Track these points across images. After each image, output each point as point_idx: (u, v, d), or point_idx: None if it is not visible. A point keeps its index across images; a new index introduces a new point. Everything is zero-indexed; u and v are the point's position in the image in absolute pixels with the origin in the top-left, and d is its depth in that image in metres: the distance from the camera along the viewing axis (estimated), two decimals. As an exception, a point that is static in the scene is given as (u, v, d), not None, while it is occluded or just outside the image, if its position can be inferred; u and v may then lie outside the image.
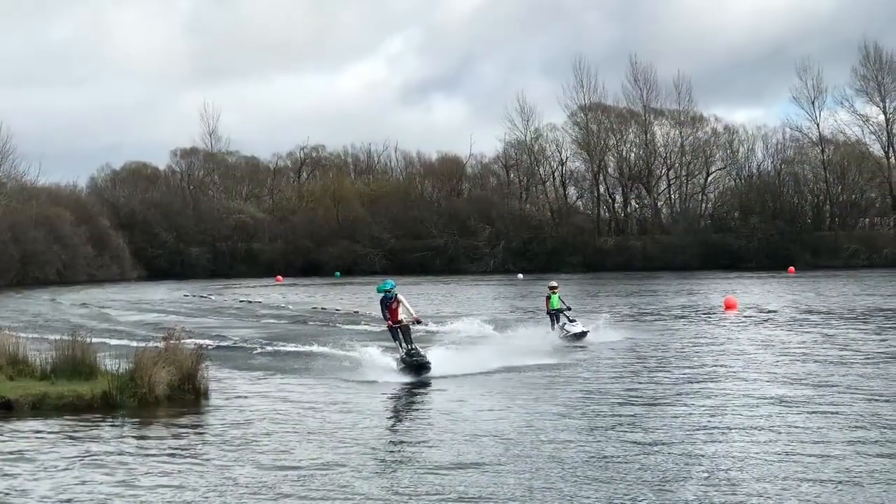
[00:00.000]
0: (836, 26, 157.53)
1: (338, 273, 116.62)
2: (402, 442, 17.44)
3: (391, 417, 20.94)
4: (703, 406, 19.68)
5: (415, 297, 50.41)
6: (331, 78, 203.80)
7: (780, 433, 16.77)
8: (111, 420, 19.62)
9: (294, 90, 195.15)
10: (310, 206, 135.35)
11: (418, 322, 27.59)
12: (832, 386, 21.80)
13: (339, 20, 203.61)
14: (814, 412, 18.64)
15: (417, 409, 21.85)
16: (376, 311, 31.52)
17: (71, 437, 17.89)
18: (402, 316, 26.62)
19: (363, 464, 15.35)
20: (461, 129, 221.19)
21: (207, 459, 15.94)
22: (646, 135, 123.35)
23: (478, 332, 36.14)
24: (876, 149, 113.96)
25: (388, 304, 26.57)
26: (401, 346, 26.09)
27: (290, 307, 56.97)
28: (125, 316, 51.62)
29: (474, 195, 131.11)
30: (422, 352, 25.90)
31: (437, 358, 26.00)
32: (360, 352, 27.48)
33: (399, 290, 27.18)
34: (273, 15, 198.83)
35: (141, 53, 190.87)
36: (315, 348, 31.27)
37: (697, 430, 17.28)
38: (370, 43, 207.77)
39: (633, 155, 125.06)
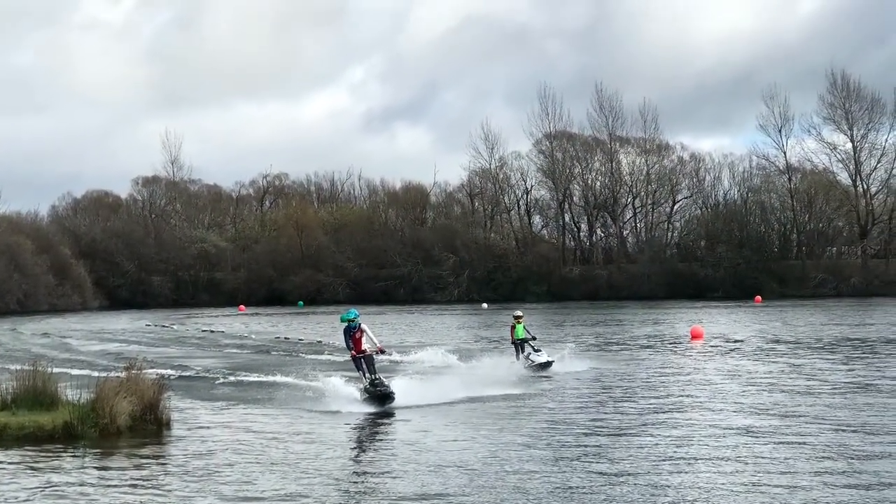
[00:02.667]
0: (803, 54, 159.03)
1: (301, 302, 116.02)
2: (365, 472, 17.30)
3: (354, 448, 20.79)
4: (669, 436, 19.62)
5: (378, 327, 50.36)
6: (294, 106, 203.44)
7: (746, 463, 16.73)
8: (72, 451, 19.40)
9: (257, 118, 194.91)
10: (272, 235, 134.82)
11: (382, 352, 27.51)
12: (799, 416, 21.82)
13: (302, 48, 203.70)
14: (781, 442, 18.63)
15: (381, 440, 21.69)
16: (340, 340, 31.32)
17: (32, 468, 17.67)
18: (365, 346, 26.49)
19: (326, 495, 15.19)
20: (425, 158, 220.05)
21: (169, 490, 15.75)
22: (611, 163, 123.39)
23: (442, 362, 36.00)
24: (843, 177, 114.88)
25: (352, 333, 26.42)
26: (364, 376, 25.94)
27: (253, 337, 56.66)
28: (87, 346, 51.18)
29: (438, 224, 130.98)
30: (385, 382, 25.78)
31: (401, 388, 25.90)
32: (323, 382, 27.40)
33: (363, 319, 27.04)
34: (235, 43, 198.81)
35: (102, 81, 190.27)
36: (278, 378, 31.06)
37: (663, 460, 17.21)
38: (333, 71, 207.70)
39: (598, 183, 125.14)
